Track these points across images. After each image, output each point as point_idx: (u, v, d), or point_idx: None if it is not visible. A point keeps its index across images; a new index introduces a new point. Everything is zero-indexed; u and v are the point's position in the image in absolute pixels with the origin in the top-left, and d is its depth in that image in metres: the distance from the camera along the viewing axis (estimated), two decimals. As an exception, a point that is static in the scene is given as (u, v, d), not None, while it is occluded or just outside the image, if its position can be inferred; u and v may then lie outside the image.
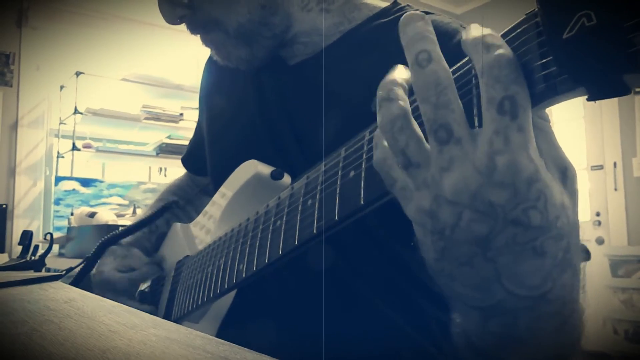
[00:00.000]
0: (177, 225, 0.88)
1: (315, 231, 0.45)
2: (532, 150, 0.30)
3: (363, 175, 0.40)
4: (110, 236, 0.87)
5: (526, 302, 0.33)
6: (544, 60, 0.29)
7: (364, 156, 0.41)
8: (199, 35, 0.71)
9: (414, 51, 0.33)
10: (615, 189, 3.34)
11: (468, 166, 0.31)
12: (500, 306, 0.34)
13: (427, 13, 0.69)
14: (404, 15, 0.35)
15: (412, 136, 0.33)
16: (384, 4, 0.73)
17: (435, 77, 0.32)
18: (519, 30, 0.31)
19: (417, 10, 0.70)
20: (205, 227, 0.77)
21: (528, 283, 0.32)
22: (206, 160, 0.86)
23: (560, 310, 0.34)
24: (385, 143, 0.35)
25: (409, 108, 0.34)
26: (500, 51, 0.31)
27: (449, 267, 0.34)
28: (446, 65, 0.33)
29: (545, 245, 0.31)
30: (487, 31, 0.32)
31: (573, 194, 0.34)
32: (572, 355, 0.38)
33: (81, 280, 0.85)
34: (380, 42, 0.67)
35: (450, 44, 0.61)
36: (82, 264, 0.85)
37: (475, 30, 0.33)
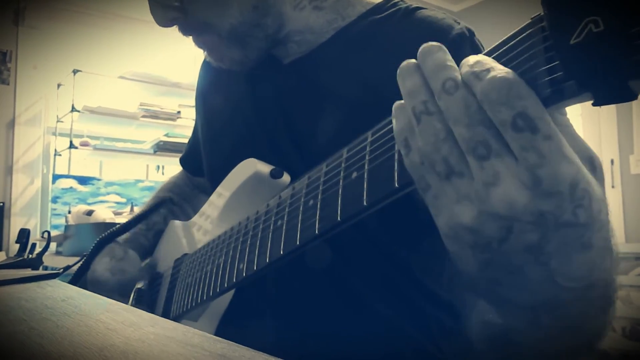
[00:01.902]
0: (175, 223, 0.87)
1: (317, 231, 0.45)
2: (568, 151, 0.30)
3: (366, 176, 0.40)
4: (107, 234, 0.86)
5: (576, 292, 0.34)
6: (550, 65, 0.29)
7: (367, 157, 0.41)
8: (191, 37, 0.71)
9: (439, 80, 0.33)
10: (613, 187, 3.34)
11: (513, 180, 0.30)
12: (552, 301, 0.34)
13: (419, 8, 0.69)
14: (422, 47, 0.35)
15: (455, 145, 0.32)
16: (378, 0, 0.73)
17: (465, 101, 0.32)
18: (525, 34, 0.31)
19: (410, 5, 0.70)
20: (203, 228, 0.76)
21: (578, 275, 0.33)
22: (203, 161, 0.86)
23: (604, 293, 0.36)
24: (421, 145, 0.34)
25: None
26: (491, 74, 0.31)
27: (496, 275, 0.34)
28: (472, 89, 0.33)
29: (592, 239, 0.32)
30: (473, 60, 0.32)
31: (601, 181, 0.35)
32: (605, 332, 0.39)
33: (79, 279, 0.85)
34: (374, 38, 0.67)
35: (445, 41, 0.61)
36: (80, 262, 0.85)
37: (466, 62, 0.33)
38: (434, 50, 0.34)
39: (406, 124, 0.35)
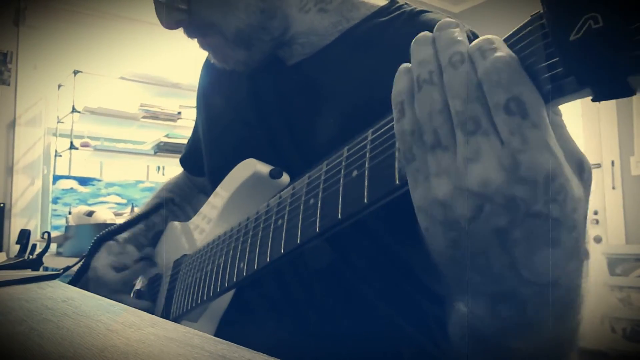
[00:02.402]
0: (175, 224, 0.87)
1: (318, 230, 0.45)
2: (552, 144, 0.31)
3: (367, 174, 0.40)
4: (105, 232, 0.87)
5: (536, 288, 0.34)
6: (550, 62, 0.30)
7: (367, 155, 0.41)
8: (196, 39, 0.71)
9: (448, 54, 0.34)
10: (613, 188, 3.34)
11: (494, 160, 0.31)
12: (511, 292, 0.35)
13: (424, 11, 0.69)
14: (440, 21, 0.35)
15: (448, 119, 0.33)
16: (382, 3, 0.73)
17: (467, 76, 0.32)
18: (524, 32, 0.31)
19: (415, 8, 0.70)
20: (202, 229, 0.76)
21: (541, 271, 0.33)
22: (204, 161, 0.86)
23: (564, 296, 0.36)
24: (416, 113, 0.34)
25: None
26: (496, 55, 0.31)
27: (461, 256, 0.34)
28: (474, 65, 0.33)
29: (560, 236, 0.32)
30: (483, 37, 0.33)
31: (588, 186, 0.35)
32: (571, 343, 0.39)
33: (79, 279, 0.85)
34: (379, 41, 0.67)
35: None
36: (80, 263, 0.85)
37: (476, 39, 0.33)
38: (449, 25, 0.35)
39: (406, 88, 0.36)
